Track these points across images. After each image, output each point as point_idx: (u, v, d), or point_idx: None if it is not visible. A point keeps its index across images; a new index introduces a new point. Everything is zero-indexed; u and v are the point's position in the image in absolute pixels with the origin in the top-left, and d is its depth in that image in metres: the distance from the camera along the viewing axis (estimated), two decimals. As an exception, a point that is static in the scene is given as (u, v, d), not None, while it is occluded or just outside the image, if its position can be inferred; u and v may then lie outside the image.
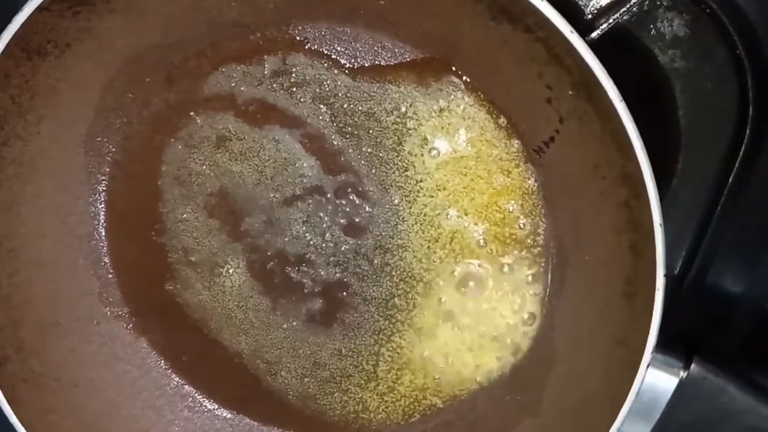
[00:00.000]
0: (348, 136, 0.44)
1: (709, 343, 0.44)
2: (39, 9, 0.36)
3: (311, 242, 0.45)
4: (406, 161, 0.44)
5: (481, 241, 0.44)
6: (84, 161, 0.44)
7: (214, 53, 0.43)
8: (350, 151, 0.44)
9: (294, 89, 0.44)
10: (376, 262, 0.45)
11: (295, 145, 0.44)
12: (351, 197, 0.44)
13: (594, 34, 0.40)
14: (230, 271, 0.46)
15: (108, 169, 0.45)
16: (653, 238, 0.34)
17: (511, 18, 0.36)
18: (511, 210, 0.43)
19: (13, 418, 0.40)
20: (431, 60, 0.43)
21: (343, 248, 0.45)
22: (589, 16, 0.42)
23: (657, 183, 0.34)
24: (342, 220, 0.45)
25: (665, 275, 0.35)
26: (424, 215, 0.44)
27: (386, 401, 0.46)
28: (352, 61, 0.43)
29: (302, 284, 0.45)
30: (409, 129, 0.43)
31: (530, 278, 0.44)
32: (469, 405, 0.45)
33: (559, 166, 0.41)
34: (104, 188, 0.45)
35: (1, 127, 0.40)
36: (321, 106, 0.44)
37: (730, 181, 0.44)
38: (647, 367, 0.35)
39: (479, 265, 0.44)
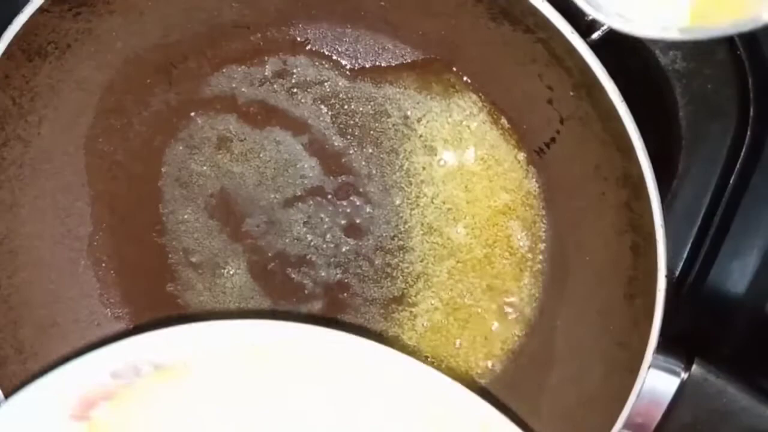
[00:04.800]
0: (349, 137, 0.44)
1: (710, 345, 0.44)
2: (39, 10, 0.36)
3: (312, 243, 0.45)
4: (409, 165, 0.44)
5: (483, 245, 0.44)
6: (84, 162, 0.44)
7: (215, 54, 0.43)
8: (351, 152, 0.44)
9: (295, 90, 0.44)
10: (377, 263, 0.45)
11: (296, 146, 0.44)
12: (352, 198, 0.44)
13: (595, 35, 0.40)
14: (231, 272, 0.46)
15: (108, 170, 0.44)
16: (654, 239, 0.34)
17: (512, 19, 0.36)
18: (513, 219, 0.43)
19: (14, 419, 0.40)
20: (432, 61, 0.43)
21: (343, 249, 0.45)
22: (590, 17, 0.42)
23: (658, 184, 0.34)
24: (343, 221, 0.45)
25: (666, 276, 0.35)
26: (425, 217, 0.44)
27: (387, 402, 0.46)
28: (353, 62, 0.43)
29: (303, 285, 0.45)
30: (420, 135, 0.43)
31: (531, 279, 0.44)
32: (470, 406, 0.45)
33: (560, 166, 0.41)
34: (105, 189, 0.45)
35: (2, 128, 0.40)
36: (322, 107, 0.44)
37: (731, 181, 0.44)
38: (648, 368, 0.35)
39: (480, 268, 0.44)
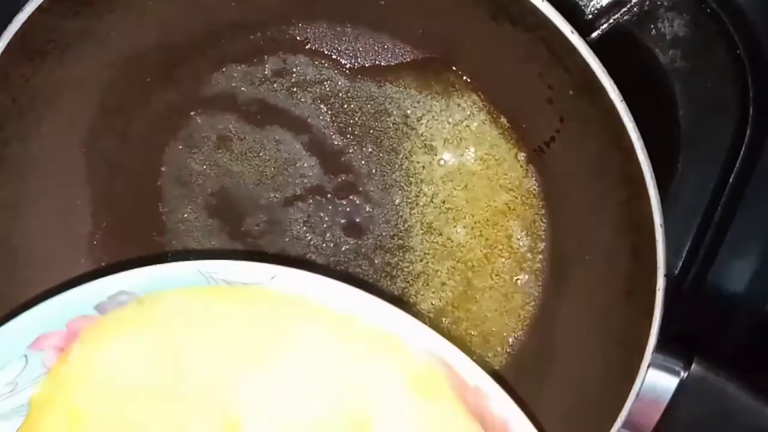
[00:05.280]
0: (349, 136, 0.44)
1: (709, 344, 0.44)
2: (39, 9, 0.36)
3: (312, 242, 0.45)
4: (409, 164, 0.44)
5: (483, 245, 0.44)
6: (84, 161, 0.44)
7: (215, 53, 0.44)
8: (351, 151, 0.44)
9: (295, 89, 0.44)
10: (376, 262, 0.45)
11: (295, 145, 0.44)
12: (351, 197, 0.44)
13: (594, 34, 0.40)
14: (231, 271, 0.46)
15: (108, 169, 0.44)
16: (654, 238, 0.34)
17: (512, 18, 0.36)
18: (513, 219, 0.43)
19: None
20: (432, 60, 0.43)
21: (343, 248, 0.45)
22: (590, 16, 0.42)
23: (657, 183, 0.34)
24: (342, 220, 0.45)
25: (666, 275, 0.35)
26: (425, 216, 0.44)
27: (387, 401, 0.46)
28: (353, 61, 0.43)
29: (303, 284, 0.45)
30: (420, 134, 0.43)
31: (531, 279, 0.44)
32: (470, 405, 0.45)
33: (560, 166, 0.41)
34: (104, 188, 0.45)
35: (2, 127, 0.40)
36: (322, 106, 0.44)
37: (730, 181, 0.44)
38: (648, 367, 0.35)
39: (479, 267, 0.44)
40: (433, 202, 0.44)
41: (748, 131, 0.44)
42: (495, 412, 0.36)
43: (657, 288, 0.35)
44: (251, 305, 0.39)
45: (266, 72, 0.44)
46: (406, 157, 0.44)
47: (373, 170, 0.44)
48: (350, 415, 0.38)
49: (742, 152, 0.44)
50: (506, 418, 0.36)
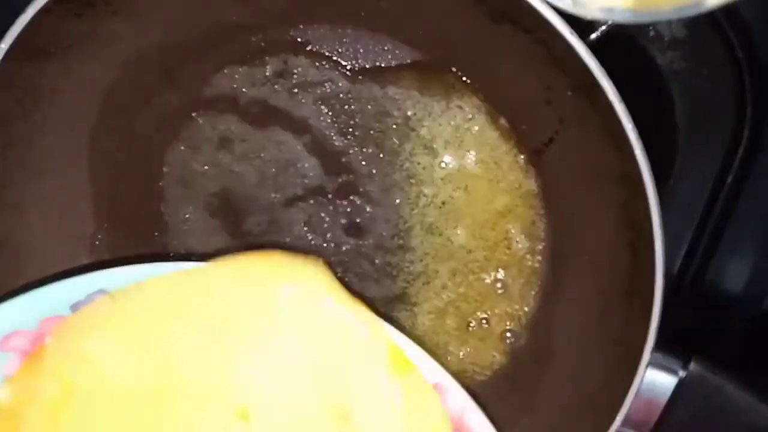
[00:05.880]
0: (350, 137, 0.44)
1: (708, 343, 0.44)
2: (42, 11, 0.36)
3: (312, 242, 0.45)
4: (410, 165, 0.44)
5: (482, 246, 0.44)
6: (87, 162, 0.44)
7: (216, 54, 0.44)
8: (351, 152, 0.44)
9: (296, 90, 0.44)
10: (377, 262, 0.45)
11: (296, 146, 0.44)
12: (352, 198, 0.45)
13: (593, 36, 0.40)
14: (232, 271, 0.46)
15: (111, 170, 0.45)
16: (652, 238, 0.35)
17: (511, 19, 0.36)
18: (512, 220, 0.44)
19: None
20: (432, 62, 0.43)
21: (344, 248, 0.45)
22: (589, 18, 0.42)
23: (656, 183, 0.34)
24: (343, 221, 0.45)
25: (664, 275, 0.35)
26: (425, 217, 0.44)
27: (387, 401, 0.46)
28: (354, 62, 0.44)
29: (303, 284, 0.46)
30: (421, 136, 0.44)
31: (530, 279, 0.44)
32: (469, 404, 0.45)
33: (559, 167, 0.42)
34: (107, 189, 0.45)
35: (5, 128, 0.40)
36: (323, 107, 0.44)
37: (728, 181, 0.44)
38: (646, 366, 0.36)
39: (479, 267, 0.44)
40: (433, 203, 0.44)
41: (745, 131, 0.44)
42: (451, 406, 0.38)
43: (656, 287, 0.35)
44: (233, 289, 0.38)
45: (267, 73, 0.44)
46: (407, 159, 0.44)
47: (374, 171, 0.44)
48: (332, 404, 0.39)
49: (739, 152, 0.44)
50: (461, 412, 0.38)
